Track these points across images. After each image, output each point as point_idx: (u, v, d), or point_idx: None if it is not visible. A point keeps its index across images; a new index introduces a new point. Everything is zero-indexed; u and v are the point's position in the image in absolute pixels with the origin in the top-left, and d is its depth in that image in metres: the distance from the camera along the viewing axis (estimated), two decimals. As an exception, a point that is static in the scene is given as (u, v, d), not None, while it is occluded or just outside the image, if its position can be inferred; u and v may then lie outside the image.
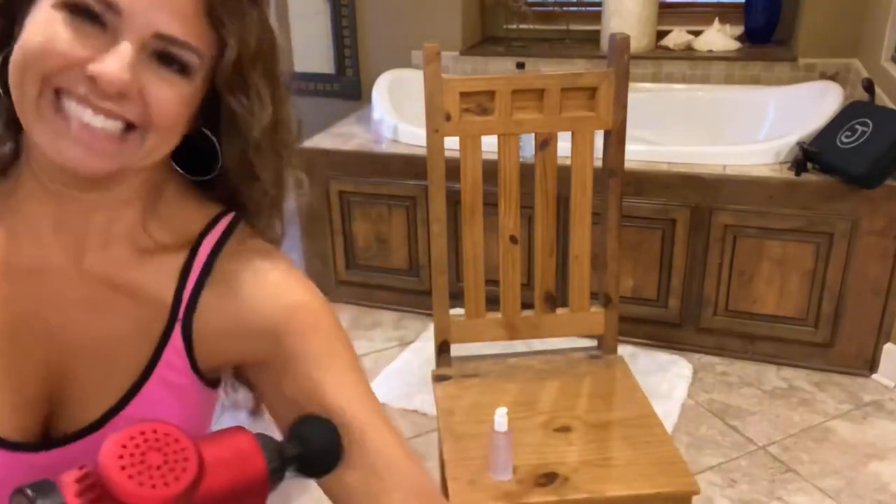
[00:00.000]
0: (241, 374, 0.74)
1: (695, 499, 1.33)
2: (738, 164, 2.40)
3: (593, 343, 1.69)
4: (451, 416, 1.50)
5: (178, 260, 0.68)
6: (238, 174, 0.69)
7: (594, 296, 1.62)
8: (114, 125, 0.59)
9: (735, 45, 3.08)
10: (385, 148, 2.72)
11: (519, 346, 1.71)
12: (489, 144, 1.51)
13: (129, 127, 0.60)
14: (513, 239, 1.58)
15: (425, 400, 2.32)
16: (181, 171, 0.71)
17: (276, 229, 0.74)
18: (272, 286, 0.69)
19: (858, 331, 2.38)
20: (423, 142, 1.52)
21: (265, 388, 0.71)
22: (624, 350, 1.75)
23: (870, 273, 2.30)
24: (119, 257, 0.66)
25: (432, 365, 1.65)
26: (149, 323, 0.67)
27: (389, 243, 2.77)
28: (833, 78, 2.85)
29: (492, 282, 1.60)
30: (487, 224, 1.56)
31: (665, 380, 2.42)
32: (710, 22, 3.14)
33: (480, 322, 1.61)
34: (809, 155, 2.30)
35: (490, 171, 1.53)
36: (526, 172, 1.56)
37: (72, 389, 0.66)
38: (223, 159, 0.68)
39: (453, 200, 1.53)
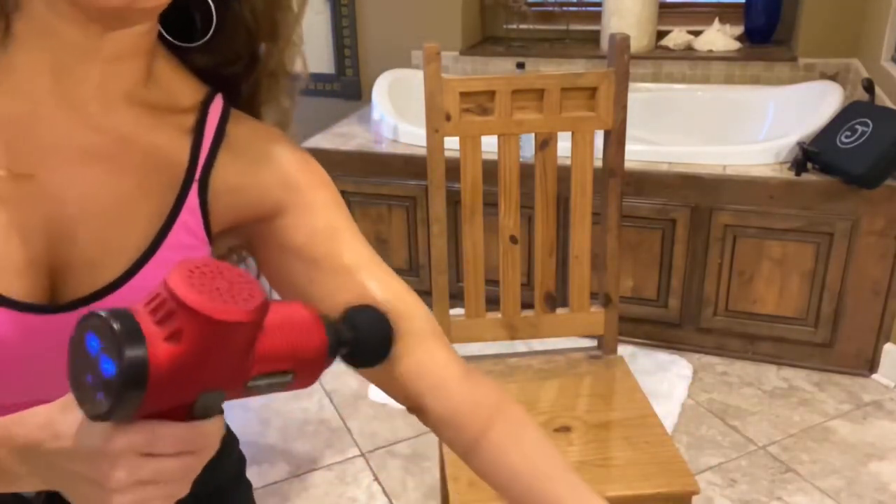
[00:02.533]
0: (246, 242, 0.73)
1: (695, 499, 1.33)
2: (738, 164, 2.40)
3: (593, 343, 1.69)
4: (451, 416, 1.50)
5: (188, 122, 0.67)
6: (241, 36, 0.68)
7: (594, 296, 1.62)
8: None
9: (735, 45, 3.08)
10: (385, 148, 2.72)
11: (519, 346, 1.71)
12: (489, 144, 1.51)
13: None
14: (513, 239, 1.58)
15: (425, 400, 2.32)
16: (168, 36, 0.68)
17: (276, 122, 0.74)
18: (286, 146, 0.70)
19: (858, 331, 2.38)
20: (423, 142, 1.52)
21: (272, 244, 0.70)
22: (624, 350, 1.75)
23: (870, 273, 2.30)
24: (122, 113, 0.64)
25: (432, 365, 1.65)
26: (162, 183, 0.65)
27: (389, 243, 2.77)
28: (833, 78, 2.85)
29: (492, 282, 1.60)
30: (487, 224, 1.56)
31: (665, 380, 2.42)
32: (710, 22, 3.14)
33: (480, 322, 1.61)
34: (809, 155, 2.30)
35: (490, 171, 1.53)
36: (526, 172, 1.56)
37: (77, 252, 0.63)
38: (224, 22, 0.67)
39: (453, 200, 1.53)
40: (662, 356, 2.55)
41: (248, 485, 0.88)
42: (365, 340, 0.57)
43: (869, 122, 2.24)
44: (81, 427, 0.48)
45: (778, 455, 2.11)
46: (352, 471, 2.10)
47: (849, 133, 2.27)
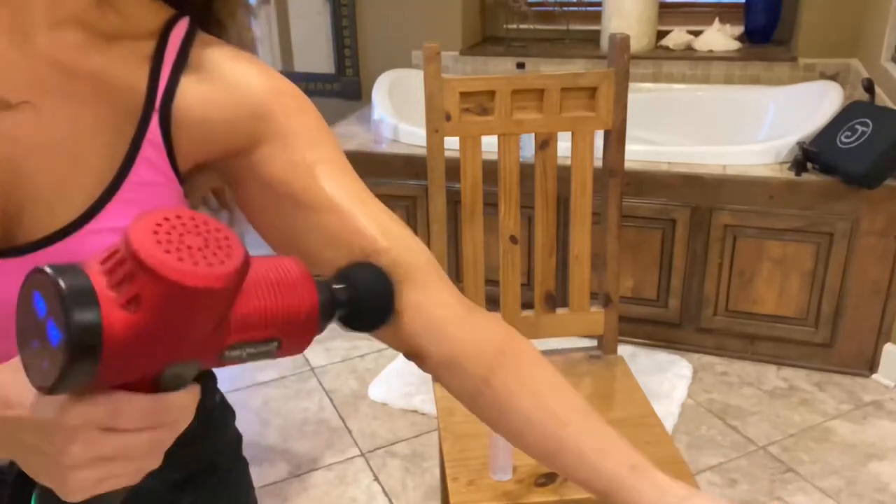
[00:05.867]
0: (225, 180, 0.66)
1: (695, 499, 1.33)
2: (738, 164, 2.40)
3: (593, 343, 1.69)
4: (451, 416, 1.50)
5: (147, 48, 0.61)
6: None
7: (594, 296, 1.62)
8: None
9: (735, 45, 3.08)
10: (385, 148, 2.72)
11: (519, 346, 1.71)
12: (489, 144, 1.51)
13: None
14: (513, 239, 1.58)
15: (425, 400, 2.32)
16: None
17: (242, 36, 0.68)
18: (256, 69, 0.63)
19: (858, 331, 2.38)
20: (423, 142, 1.53)
21: (250, 181, 0.63)
22: (624, 350, 1.75)
23: (870, 273, 2.30)
24: (73, 41, 0.58)
25: (432, 365, 1.65)
26: (118, 115, 0.59)
27: (389, 243, 2.76)
28: (833, 78, 2.85)
29: (492, 282, 1.60)
30: (487, 224, 1.57)
31: (665, 380, 2.42)
32: (710, 22, 3.15)
33: (480, 322, 1.61)
34: (809, 155, 2.30)
35: (490, 171, 1.53)
36: (526, 172, 1.56)
37: (32, 191, 0.58)
38: None
39: (453, 200, 1.53)
40: (662, 356, 2.55)
41: (245, 463, 0.86)
42: (363, 301, 0.51)
43: (869, 122, 2.24)
44: (35, 398, 0.43)
45: (778, 455, 2.11)
46: (352, 471, 2.10)
47: (849, 133, 2.27)
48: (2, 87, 0.57)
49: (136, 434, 0.44)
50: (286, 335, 0.46)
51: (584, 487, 0.62)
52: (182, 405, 0.45)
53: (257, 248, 0.50)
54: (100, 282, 0.39)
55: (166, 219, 0.40)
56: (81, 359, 0.38)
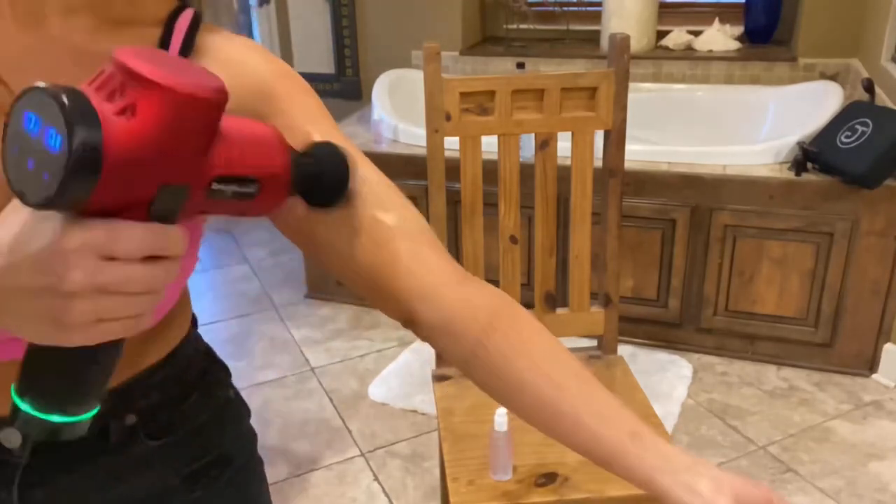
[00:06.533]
0: None
1: (695, 499, 1.33)
2: (738, 164, 2.40)
3: (593, 343, 1.69)
4: (451, 416, 1.50)
5: (154, 34, 0.63)
6: None
7: (594, 296, 1.62)
8: None
9: (735, 45, 3.08)
10: (385, 148, 2.72)
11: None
12: (489, 144, 1.51)
13: None
14: (513, 239, 1.58)
15: (425, 400, 2.32)
16: None
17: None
18: (259, 53, 0.66)
19: (858, 331, 2.38)
20: (423, 142, 1.52)
21: None
22: (624, 350, 1.75)
23: (870, 273, 2.30)
24: (84, 25, 0.60)
25: (432, 365, 1.65)
26: None
27: (389, 243, 2.76)
28: (833, 78, 2.85)
29: (492, 282, 1.59)
30: (487, 224, 1.57)
31: (665, 380, 2.42)
32: (710, 22, 3.15)
33: (480, 322, 1.61)
34: (809, 155, 2.30)
35: (490, 171, 1.53)
36: (526, 172, 1.56)
37: None
38: None
39: (453, 200, 1.53)
40: (662, 356, 2.55)
41: (260, 461, 0.86)
42: (326, 173, 0.55)
43: (869, 122, 2.24)
44: (23, 233, 0.43)
45: (778, 455, 2.11)
46: (352, 471, 2.10)
47: (849, 133, 2.27)
48: (17, 72, 0.58)
49: (134, 266, 0.43)
50: (264, 180, 0.49)
51: (582, 454, 0.62)
52: (177, 236, 0.45)
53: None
54: (92, 94, 0.40)
55: (144, 49, 0.42)
56: (84, 160, 0.38)
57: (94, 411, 0.49)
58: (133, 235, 0.43)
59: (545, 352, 0.64)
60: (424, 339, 0.67)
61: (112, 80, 0.41)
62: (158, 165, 0.42)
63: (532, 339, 0.65)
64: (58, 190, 0.39)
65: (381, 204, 0.64)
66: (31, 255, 0.42)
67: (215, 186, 0.46)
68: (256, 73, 0.64)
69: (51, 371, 0.47)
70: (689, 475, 0.58)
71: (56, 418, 0.47)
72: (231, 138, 0.46)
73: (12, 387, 0.47)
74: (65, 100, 0.39)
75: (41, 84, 0.40)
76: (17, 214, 0.43)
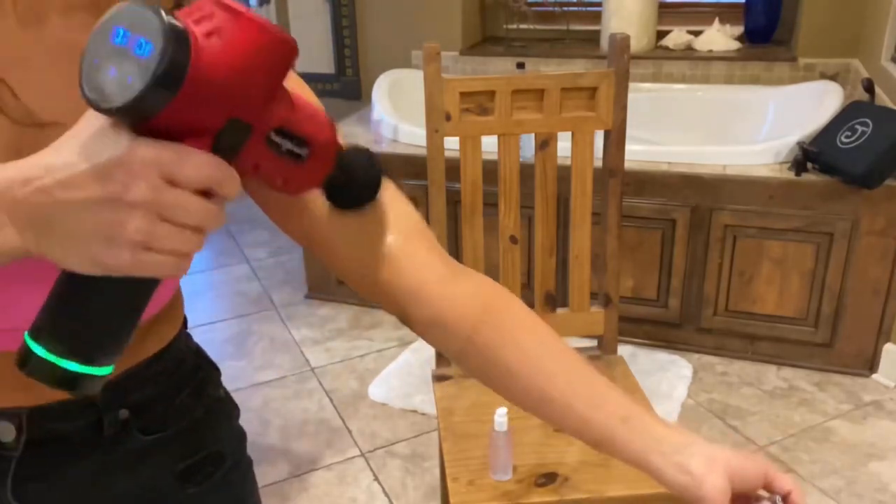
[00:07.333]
0: None
1: (695, 499, 1.33)
2: (738, 164, 2.40)
3: (593, 343, 1.69)
4: (451, 415, 1.50)
5: None
6: None
7: (594, 296, 1.62)
8: None
9: (735, 45, 3.08)
10: (385, 148, 2.72)
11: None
12: (489, 144, 1.51)
13: None
14: (513, 239, 1.58)
15: (425, 400, 2.32)
16: None
17: None
18: None
19: (858, 331, 2.38)
20: (423, 142, 1.52)
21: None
22: (624, 350, 1.75)
23: (870, 273, 2.30)
24: (86, 24, 0.59)
25: (432, 365, 1.65)
26: None
27: (389, 243, 2.76)
28: (833, 78, 2.85)
29: (492, 282, 1.60)
30: (487, 224, 1.56)
31: (665, 380, 2.42)
32: (710, 22, 3.15)
33: (480, 322, 1.61)
34: (809, 155, 2.30)
35: (490, 171, 1.53)
36: (526, 172, 1.56)
37: None
38: None
39: (453, 200, 1.53)
40: (662, 356, 2.55)
41: (250, 461, 0.87)
42: (363, 171, 0.57)
43: (869, 122, 2.24)
44: (92, 142, 0.43)
45: (778, 455, 2.11)
46: (352, 471, 2.10)
47: (849, 133, 2.27)
48: (17, 69, 0.58)
49: (192, 196, 0.44)
50: (315, 148, 0.51)
51: (576, 437, 0.64)
52: (234, 175, 0.46)
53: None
54: (183, 17, 0.42)
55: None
56: (172, 66, 0.40)
57: (111, 368, 0.48)
58: (199, 162, 0.43)
59: (534, 341, 0.65)
60: (418, 333, 0.68)
61: (202, 9, 0.43)
62: (233, 94, 0.43)
63: (522, 328, 0.66)
64: (141, 93, 0.40)
65: (375, 203, 0.65)
66: (98, 164, 0.42)
67: (274, 137, 0.48)
68: None
69: (82, 307, 0.46)
70: (682, 455, 0.60)
71: (74, 366, 0.46)
72: (293, 99, 0.49)
73: (25, 333, 0.46)
74: (161, 12, 0.40)
75: (133, 1, 0.41)
76: (82, 133, 0.43)
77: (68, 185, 0.42)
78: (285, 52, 0.45)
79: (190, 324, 0.84)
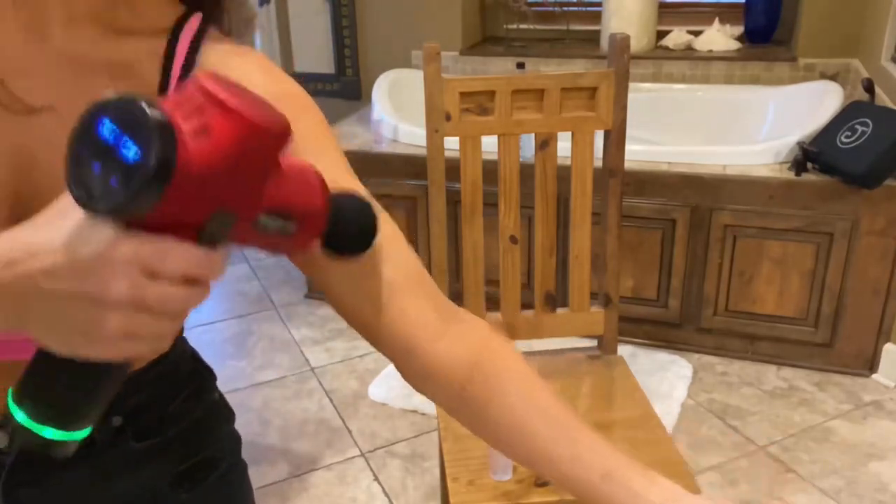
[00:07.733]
0: None
1: (695, 499, 1.33)
2: (738, 164, 2.40)
3: (593, 343, 1.69)
4: (451, 416, 1.50)
5: (158, 45, 0.63)
6: None
7: (594, 296, 1.62)
8: None
9: (735, 45, 3.08)
10: (385, 148, 2.72)
11: (519, 346, 1.70)
12: (489, 144, 1.51)
13: None
14: (513, 239, 1.58)
15: (425, 400, 2.31)
16: None
17: (243, 28, 0.70)
18: (262, 71, 0.65)
19: (858, 331, 2.38)
20: (423, 142, 1.52)
21: None
22: (624, 350, 1.75)
23: (870, 273, 2.30)
24: (87, 36, 0.60)
25: (432, 365, 1.65)
26: None
27: (389, 243, 2.76)
28: (833, 78, 2.85)
29: (492, 282, 1.60)
30: (487, 224, 1.56)
31: (665, 380, 2.42)
32: (710, 22, 3.15)
33: (480, 322, 1.61)
34: (809, 155, 2.30)
35: (490, 171, 1.53)
36: (526, 172, 1.56)
37: (45, 179, 0.59)
38: None
39: (453, 200, 1.53)
40: (662, 356, 2.55)
41: (244, 465, 0.87)
42: (350, 222, 0.55)
43: (869, 122, 2.24)
44: (74, 236, 0.42)
45: (778, 455, 2.11)
46: (352, 471, 2.10)
47: (849, 133, 2.27)
48: (19, 75, 0.58)
49: (175, 286, 0.44)
50: (303, 221, 0.50)
51: (563, 489, 0.66)
52: (219, 262, 0.46)
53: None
54: (171, 111, 0.41)
55: (223, 77, 0.44)
56: (158, 172, 0.39)
57: (86, 432, 0.48)
58: (182, 256, 0.43)
59: (520, 397, 0.67)
60: (413, 387, 0.70)
61: (191, 100, 0.42)
62: (221, 188, 0.43)
63: (509, 383, 0.68)
64: (126, 198, 0.39)
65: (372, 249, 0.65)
66: (78, 260, 0.42)
67: (262, 219, 0.47)
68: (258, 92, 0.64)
69: (60, 382, 0.46)
70: None
71: (50, 433, 0.46)
72: (283, 174, 0.47)
73: (10, 391, 0.46)
74: (147, 111, 0.39)
75: (121, 92, 0.40)
76: (67, 218, 0.43)
77: (51, 276, 0.42)
78: (277, 143, 0.45)
79: (190, 324, 0.83)
